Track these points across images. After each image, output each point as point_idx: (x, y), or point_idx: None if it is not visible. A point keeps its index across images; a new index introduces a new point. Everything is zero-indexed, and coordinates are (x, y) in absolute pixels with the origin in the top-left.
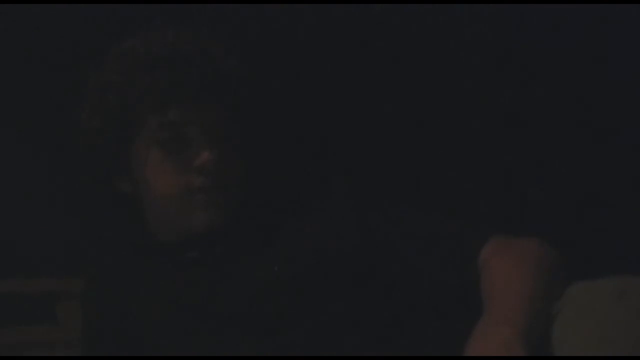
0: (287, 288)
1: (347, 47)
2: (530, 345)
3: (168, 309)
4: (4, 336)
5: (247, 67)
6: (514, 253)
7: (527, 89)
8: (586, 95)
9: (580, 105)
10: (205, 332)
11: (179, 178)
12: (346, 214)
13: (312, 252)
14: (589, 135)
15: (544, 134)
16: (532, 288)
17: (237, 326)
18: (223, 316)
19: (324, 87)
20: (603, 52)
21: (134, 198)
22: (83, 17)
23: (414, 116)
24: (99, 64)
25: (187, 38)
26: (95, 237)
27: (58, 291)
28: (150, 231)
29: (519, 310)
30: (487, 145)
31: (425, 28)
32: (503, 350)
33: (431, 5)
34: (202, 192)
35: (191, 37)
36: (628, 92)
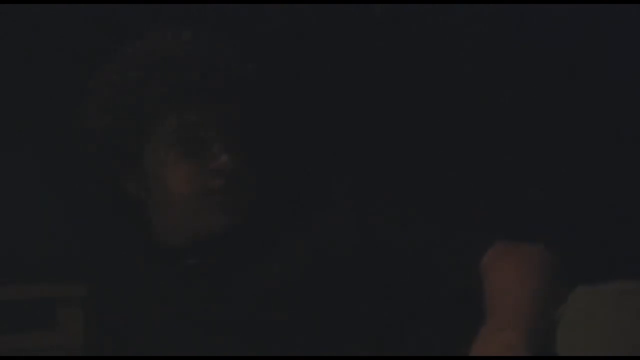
0: (288, 292)
1: (347, 48)
2: (534, 348)
3: (169, 314)
4: (6, 341)
5: (261, 69)
6: (516, 258)
7: (527, 89)
8: (586, 95)
9: (580, 106)
10: (206, 338)
11: (196, 179)
12: (348, 217)
13: (313, 256)
14: (589, 136)
15: (544, 135)
16: (534, 292)
17: (237, 331)
18: (223, 323)
19: (323, 88)
20: (603, 52)
21: (138, 200)
22: (84, 17)
23: (415, 117)
24: (113, 63)
25: (204, 40)
26: (97, 242)
27: (59, 296)
28: (155, 235)
29: (521, 315)
30: (487, 146)
31: (425, 28)
32: (507, 353)
33: (431, 5)
34: (218, 194)
35: (208, 39)
36: (628, 92)
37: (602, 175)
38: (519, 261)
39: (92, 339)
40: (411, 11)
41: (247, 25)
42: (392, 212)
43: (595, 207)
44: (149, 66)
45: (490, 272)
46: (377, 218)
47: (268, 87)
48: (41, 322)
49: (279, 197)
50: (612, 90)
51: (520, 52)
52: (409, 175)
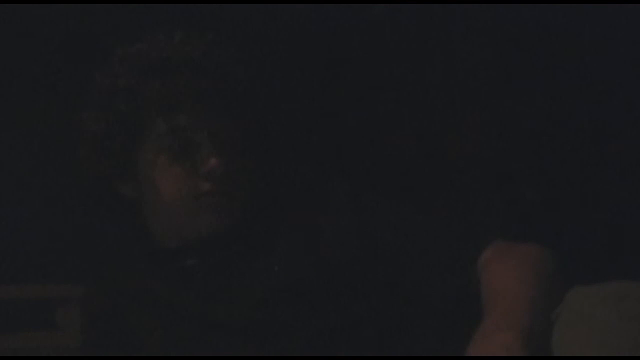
0: (288, 295)
1: (348, 48)
2: (531, 349)
3: (167, 316)
4: (4, 341)
5: (254, 73)
6: (514, 257)
7: (527, 90)
8: (587, 96)
9: (580, 106)
10: (205, 340)
11: (186, 182)
12: (347, 217)
13: (313, 258)
14: (589, 137)
15: (543, 135)
16: (532, 292)
17: (236, 334)
18: (222, 324)
19: (319, 89)
20: (603, 52)
21: (135, 202)
22: (85, 17)
23: (414, 116)
24: (105, 66)
25: (196, 42)
26: (96, 243)
27: (57, 297)
28: (152, 236)
29: (519, 315)
30: (486, 146)
31: (426, 28)
32: (504, 354)
33: (431, 6)
34: (209, 196)
35: (199, 42)
36: (628, 92)
37: (601, 175)
38: (516, 261)
39: (90, 339)
40: (411, 11)
41: (241, 26)
42: (390, 212)
43: (593, 207)
44: (141, 69)
45: (487, 272)
46: (375, 218)
47: (261, 89)
48: (40, 322)
49: (274, 198)
50: (612, 90)
51: (520, 52)
52: (408, 176)
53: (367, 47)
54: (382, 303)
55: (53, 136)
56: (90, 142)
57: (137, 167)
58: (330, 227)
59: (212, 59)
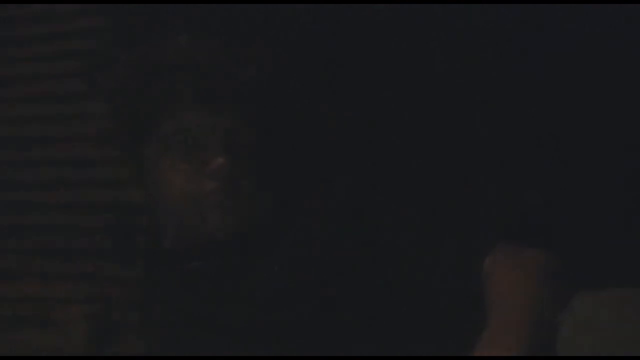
0: (287, 295)
1: (348, 48)
2: (534, 354)
3: (169, 316)
4: (4, 341)
5: (259, 73)
6: (518, 263)
7: (528, 90)
8: (587, 97)
9: (581, 108)
10: (208, 339)
11: (191, 182)
12: (347, 218)
13: (313, 258)
14: (592, 139)
15: (547, 137)
16: (536, 299)
17: (239, 333)
18: (223, 324)
19: (322, 90)
20: (603, 53)
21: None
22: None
23: (415, 117)
24: (111, 68)
25: (202, 45)
26: (98, 245)
27: (57, 297)
28: (158, 237)
29: (522, 322)
30: (489, 148)
31: (428, 28)
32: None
33: (432, 6)
34: (214, 196)
35: (206, 44)
36: (629, 93)
37: (606, 179)
38: (521, 267)
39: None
40: (412, 11)
41: (244, 27)
42: (392, 214)
43: (597, 213)
44: (147, 70)
45: (491, 276)
46: (377, 219)
47: (267, 89)
48: (40, 323)
49: (278, 199)
50: (613, 91)
51: (521, 53)
52: (410, 179)
53: (367, 47)
54: (383, 304)
55: (58, 135)
56: (96, 142)
57: (142, 167)
58: (332, 228)
59: (218, 60)
